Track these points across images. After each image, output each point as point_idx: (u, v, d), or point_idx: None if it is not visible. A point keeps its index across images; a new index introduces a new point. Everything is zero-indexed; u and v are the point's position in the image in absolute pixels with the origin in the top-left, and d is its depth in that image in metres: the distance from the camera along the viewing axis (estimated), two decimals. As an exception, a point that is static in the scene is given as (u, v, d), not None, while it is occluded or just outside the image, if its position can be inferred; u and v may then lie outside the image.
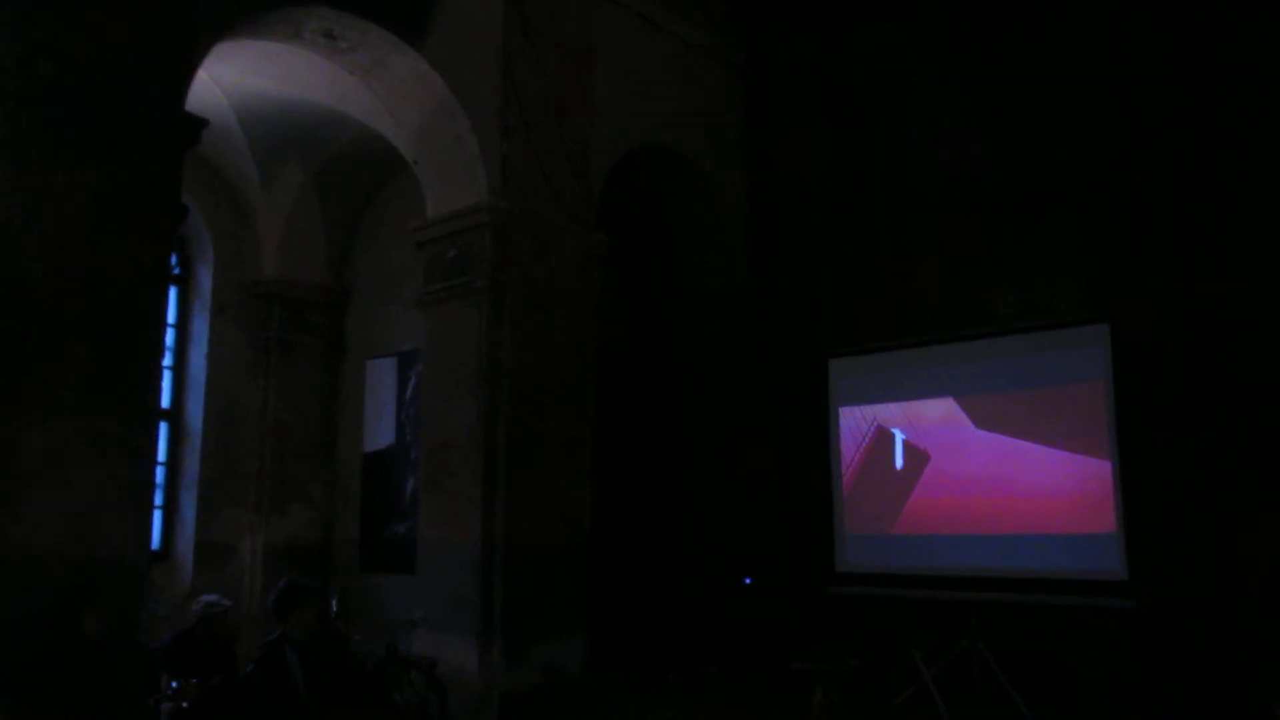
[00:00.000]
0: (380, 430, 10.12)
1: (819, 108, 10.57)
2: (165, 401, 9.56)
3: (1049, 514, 7.87)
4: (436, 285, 8.35)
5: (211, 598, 7.05)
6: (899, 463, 8.76)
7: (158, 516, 9.40)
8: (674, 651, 9.61)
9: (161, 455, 9.37)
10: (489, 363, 7.94)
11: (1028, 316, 8.77)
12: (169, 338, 9.68)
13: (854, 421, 9.10)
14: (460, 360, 8.08)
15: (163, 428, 9.45)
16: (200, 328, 9.98)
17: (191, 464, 9.75)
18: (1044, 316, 8.60)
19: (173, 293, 9.82)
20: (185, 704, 5.98)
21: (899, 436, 8.79)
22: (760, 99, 10.92)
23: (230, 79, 8.62)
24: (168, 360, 9.62)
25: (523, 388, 8.03)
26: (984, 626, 7.95)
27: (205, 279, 10.05)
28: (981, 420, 8.32)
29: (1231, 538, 7.64)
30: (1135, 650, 7.79)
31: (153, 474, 6.08)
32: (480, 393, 7.90)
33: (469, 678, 7.56)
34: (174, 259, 9.67)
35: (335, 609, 7.83)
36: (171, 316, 9.79)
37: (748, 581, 9.95)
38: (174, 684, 6.06)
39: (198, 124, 6.32)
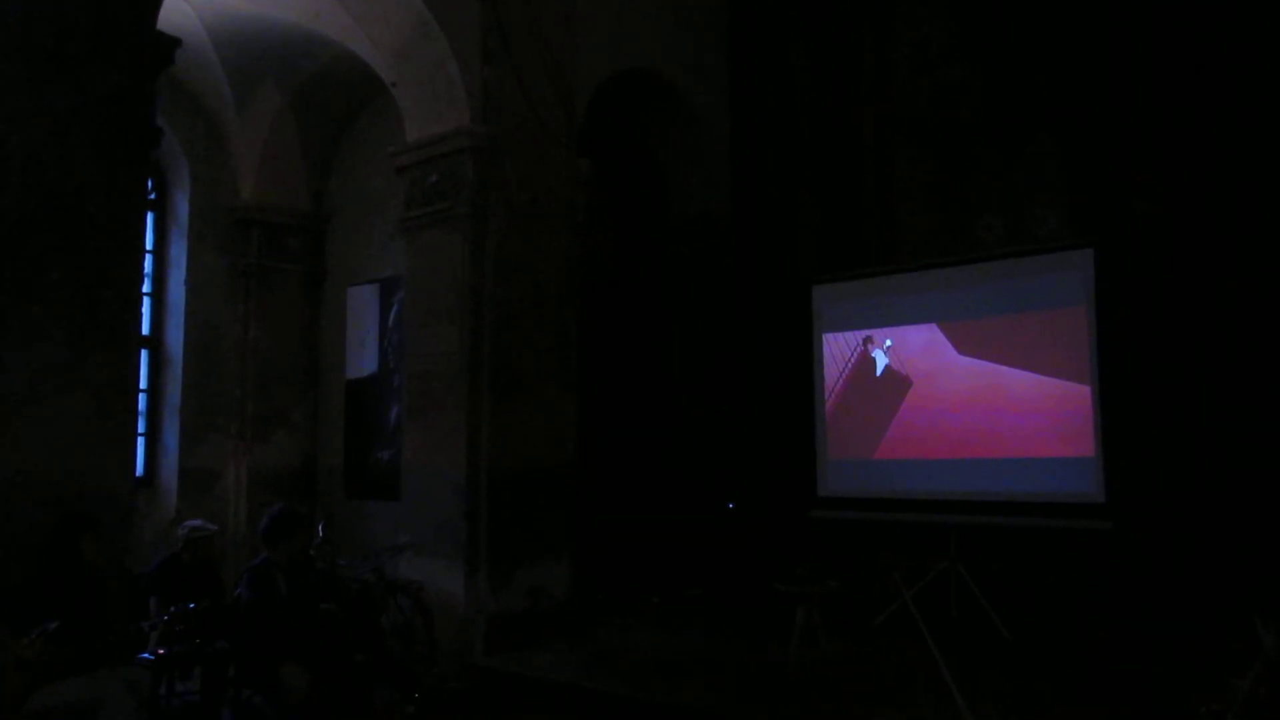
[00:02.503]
0: (363, 357, 10.09)
1: (804, 31, 10.41)
2: (145, 328, 9.50)
3: (1029, 438, 7.96)
4: (418, 211, 8.26)
5: (196, 522, 7.08)
6: (881, 389, 8.81)
7: (141, 444, 9.40)
8: (658, 575, 9.73)
9: (143, 383, 9.33)
10: (471, 289, 7.89)
11: (1012, 241, 8.77)
12: (147, 264, 9.59)
13: (837, 347, 9.12)
14: (443, 286, 8.02)
15: (143, 355, 9.40)
16: (178, 254, 9.87)
17: (173, 391, 9.71)
18: (1028, 241, 8.59)
19: (149, 219, 9.68)
20: (177, 629, 6.03)
21: (881, 362, 8.83)
22: (744, 22, 10.74)
23: (202, -3, 8.42)
24: (146, 287, 9.53)
25: (506, 314, 8.00)
26: (963, 549, 8.08)
27: (182, 205, 9.91)
28: (964, 346, 8.36)
29: (1208, 460, 7.74)
30: (1113, 571, 7.93)
31: (135, 401, 6.04)
32: (463, 319, 7.87)
33: (455, 602, 7.65)
34: (149, 184, 9.52)
35: (320, 535, 7.88)
36: (149, 243, 9.68)
37: (730, 506, 10.05)
38: (173, 607, 6.10)
39: (169, 44, 6.16)
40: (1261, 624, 4.87)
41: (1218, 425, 7.72)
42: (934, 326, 8.53)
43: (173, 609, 6.11)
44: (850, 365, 9.01)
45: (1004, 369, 8.13)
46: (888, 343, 8.80)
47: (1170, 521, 7.73)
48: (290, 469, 10.20)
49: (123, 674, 5.05)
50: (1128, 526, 7.48)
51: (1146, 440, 7.81)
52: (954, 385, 8.38)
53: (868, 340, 8.89)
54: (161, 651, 6.07)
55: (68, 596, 4.96)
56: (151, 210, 9.76)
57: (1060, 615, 7.93)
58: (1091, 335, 7.68)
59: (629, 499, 10.17)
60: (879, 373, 8.84)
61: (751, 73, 10.69)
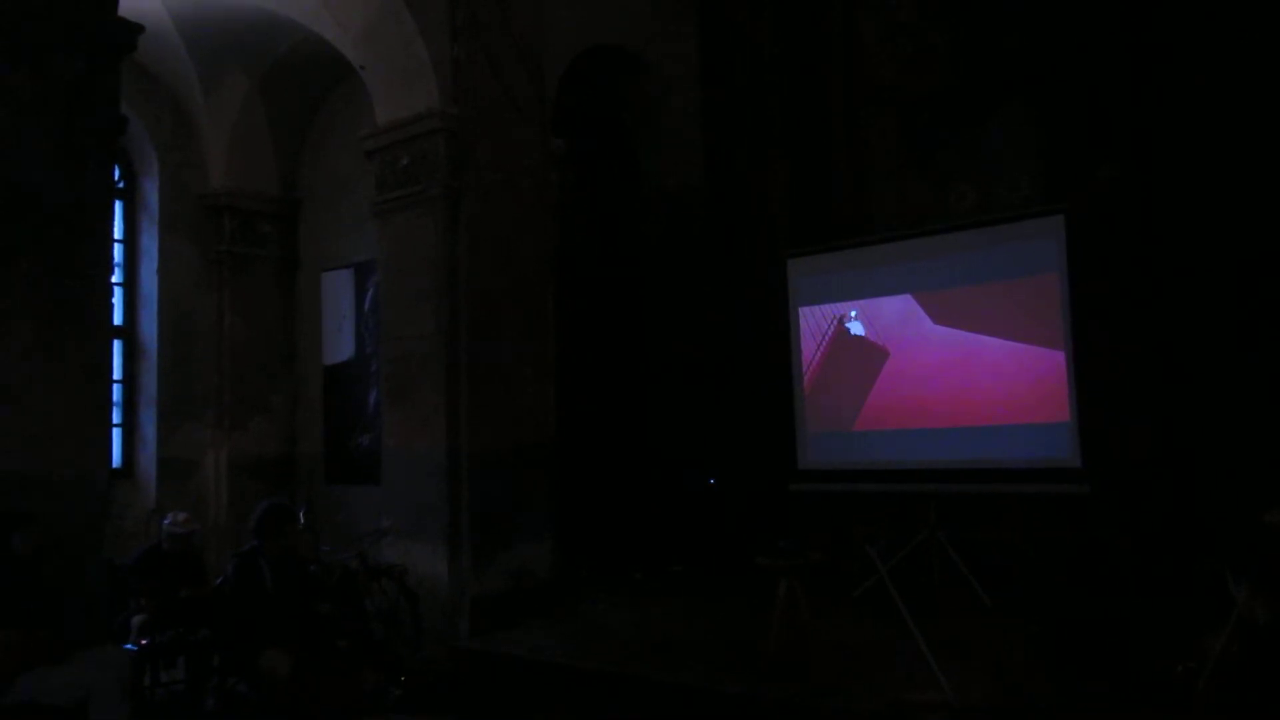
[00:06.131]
0: (340, 342, 10.05)
1: (773, 1, 10.35)
2: (119, 319, 9.42)
3: (1005, 405, 8.01)
4: (390, 194, 8.21)
5: (182, 515, 7.04)
6: (858, 361, 8.83)
7: (117, 434, 9.34)
8: (640, 552, 9.77)
9: (118, 373, 9.27)
10: (446, 271, 7.86)
11: (985, 208, 8.79)
12: (118, 254, 9.50)
13: (814, 321, 9.14)
14: (417, 269, 7.99)
15: (117, 345, 9.33)
16: (149, 243, 9.78)
17: (149, 381, 9.65)
18: (1001, 208, 8.61)
19: (119, 208, 9.59)
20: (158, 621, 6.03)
21: (858, 334, 8.85)
22: (715, -6, 10.68)
23: (165, -18, 8.31)
24: (118, 277, 9.45)
25: (481, 295, 7.98)
26: (942, 517, 8.14)
27: (151, 193, 9.82)
28: (939, 315, 8.39)
29: (1180, 424, 7.80)
30: (1090, 534, 8.01)
31: (109, 392, 5.99)
32: (439, 302, 7.84)
33: (439, 584, 7.66)
34: (117, 172, 9.41)
35: (302, 522, 7.86)
36: (119, 232, 9.58)
37: (711, 482, 10.08)
38: (150, 602, 6.10)
39: (133, 30, 6.07)
40: (1233, 580, 4.94)
41: (1190, 387, 7.78)
42: (909, 297, 8.56)
43: (152, 604, 6.11)
44: (827, 338, 9.03)
45: (979, 337, 8.17)
46: (853, 312, 8.83)
47: (1145, 484, 7.80)
48: (270, 456, 10.16)
49: (107, 656, 5.03)
50: (1104, 490, 7.54)
51: (1120, 404, 7.87)
52: (930, 355, 8.42)
53: (843, 317, 8.93)
54: (144, 642, 6.08)
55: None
56: (121, 199, 9.67)
57: (1039, 580, 8.01)
58: (1064, 301, 7.73)
59: (611, 477, 10.19)
60: (856, 344, 8.86)
61: (721, 45, 10.64)
